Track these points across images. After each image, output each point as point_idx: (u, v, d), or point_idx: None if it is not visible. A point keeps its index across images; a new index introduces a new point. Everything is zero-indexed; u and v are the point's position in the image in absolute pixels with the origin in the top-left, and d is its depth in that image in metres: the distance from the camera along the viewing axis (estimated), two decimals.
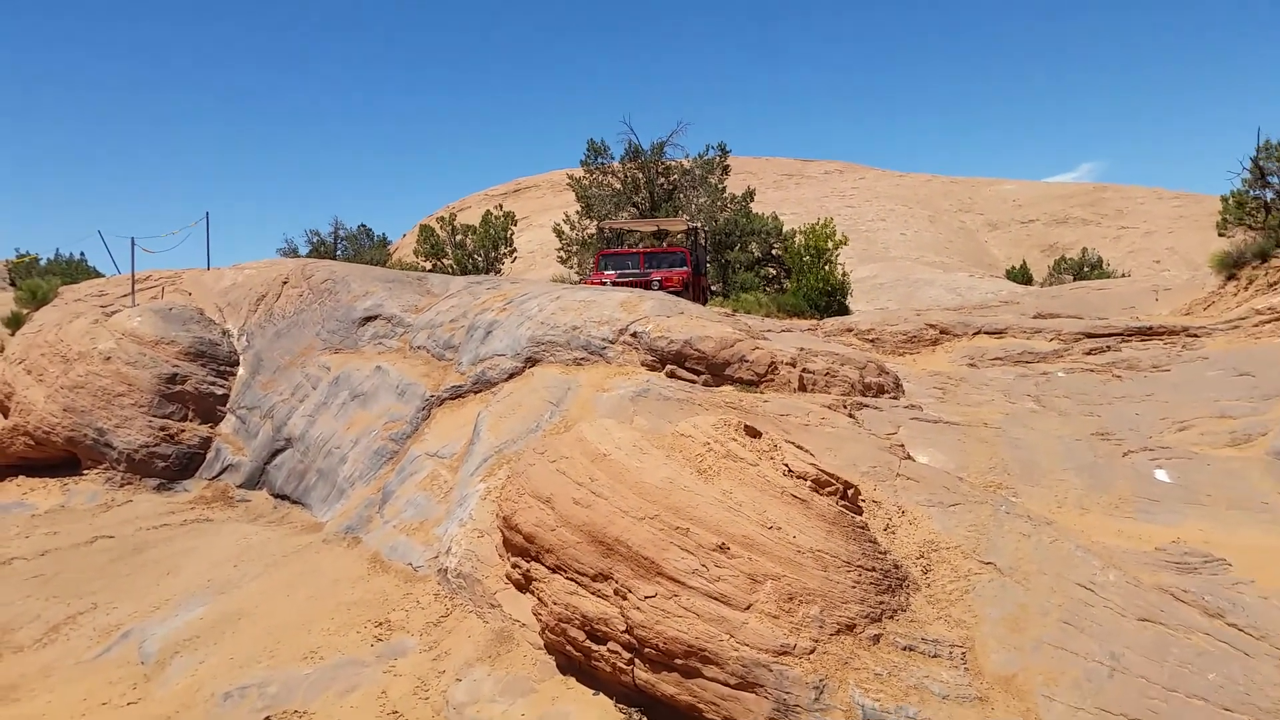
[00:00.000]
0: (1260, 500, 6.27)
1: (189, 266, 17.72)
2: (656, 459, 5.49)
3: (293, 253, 32.05)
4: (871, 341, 12.07)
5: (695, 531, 4.96)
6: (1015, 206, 55.53)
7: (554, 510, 5.54)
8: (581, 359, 8.85)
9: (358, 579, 7.10)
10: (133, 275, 16.43)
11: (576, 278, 25.36)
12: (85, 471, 11.77)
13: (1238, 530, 5.89)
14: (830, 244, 18.84)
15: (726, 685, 4.60)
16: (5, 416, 12.60)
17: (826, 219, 20.42)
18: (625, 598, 5.02)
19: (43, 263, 34.96)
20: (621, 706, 5.11)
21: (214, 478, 11.45)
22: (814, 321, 14.63)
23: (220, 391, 12.40)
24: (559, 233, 28.23)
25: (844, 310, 18.17)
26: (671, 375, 8.48)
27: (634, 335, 8.84)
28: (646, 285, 15.14)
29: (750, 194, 27.57)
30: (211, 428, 12.07)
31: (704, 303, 16.59)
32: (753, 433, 5.78)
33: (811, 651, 4.51)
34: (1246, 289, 13.73)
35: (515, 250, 29.59)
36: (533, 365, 9.03)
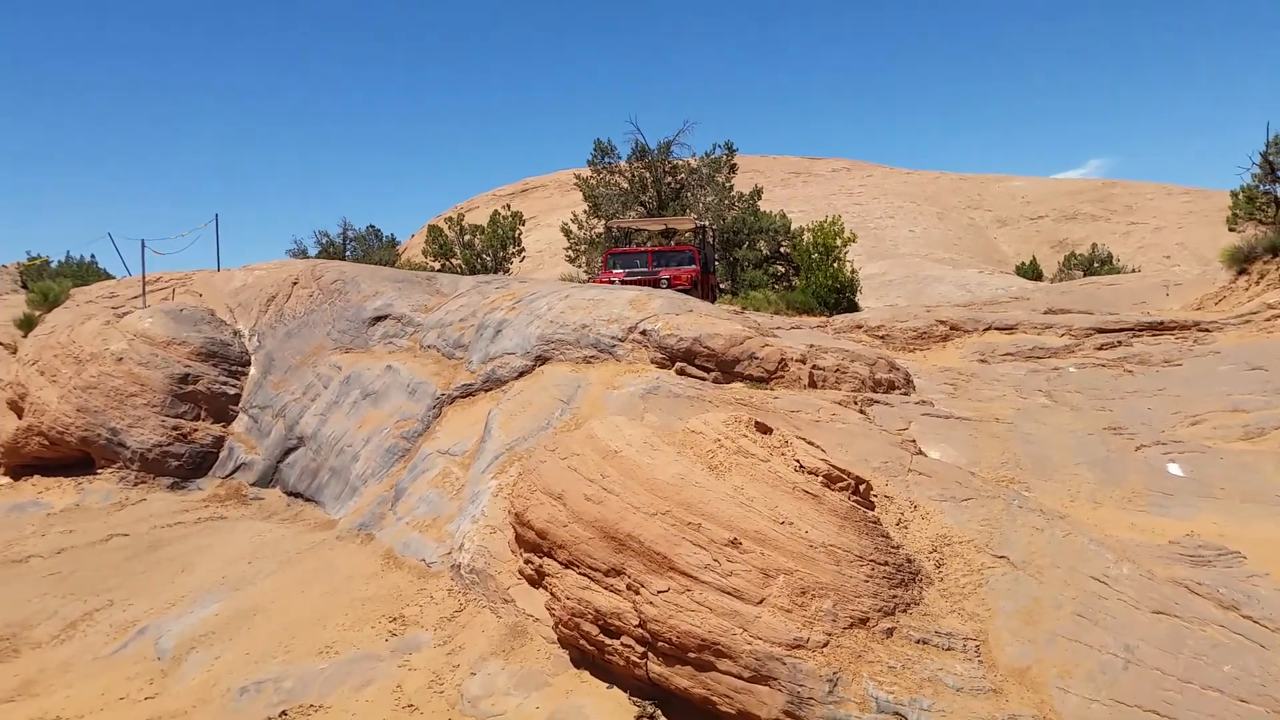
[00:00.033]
0: (1274, 493, 6.25)
1: (199, 268, 17.80)
2: (667, 455, 5.50)
3: (302, 254, 32.14)
4: (881, 338, 12.06)
5: (707, 527, 4.98)
6: (1024, 203, 55.35)
7: (566, 506, 5.56)
8: (591, 357, 8.88)
9: (371, 575, 7.14)
10: (143, 277, 16.53)
11: (585, 277, 25.39)
12: (99, 471, 11.85)
13: (1252, 523, 5.88)
14: (839, 241, 18.81)
15: (740, 678, 4.62)
16: (20, 417, 12.68)
17: (835, 216, 20.39)
18: (638, 592, 5.04)
19: (54, 265, 35.06)
20: (635, 699, 5.13)
21: (227, 476, 11.51)
22: (823, 318, 14.63)
23: (232, 391, 12.46)
24: (567, 232, 28.25)
25: (853, 307, 18.14)
26: (681, 373, 8.49)
27: (643, 333, 8.86)
28: (655, 283, 15.16)
29: (758, 192, 27.56)
30: (224, 427, 12.13)
31: (713, 301, 16.60)
32: (764, 429, 5.79)
33: (825, 645, 4.52)
34: (1258, 283, 13.68)
35: (523, 250, 29.63)
36: (543, 363, 9.06)
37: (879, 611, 4.66)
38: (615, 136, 40.59)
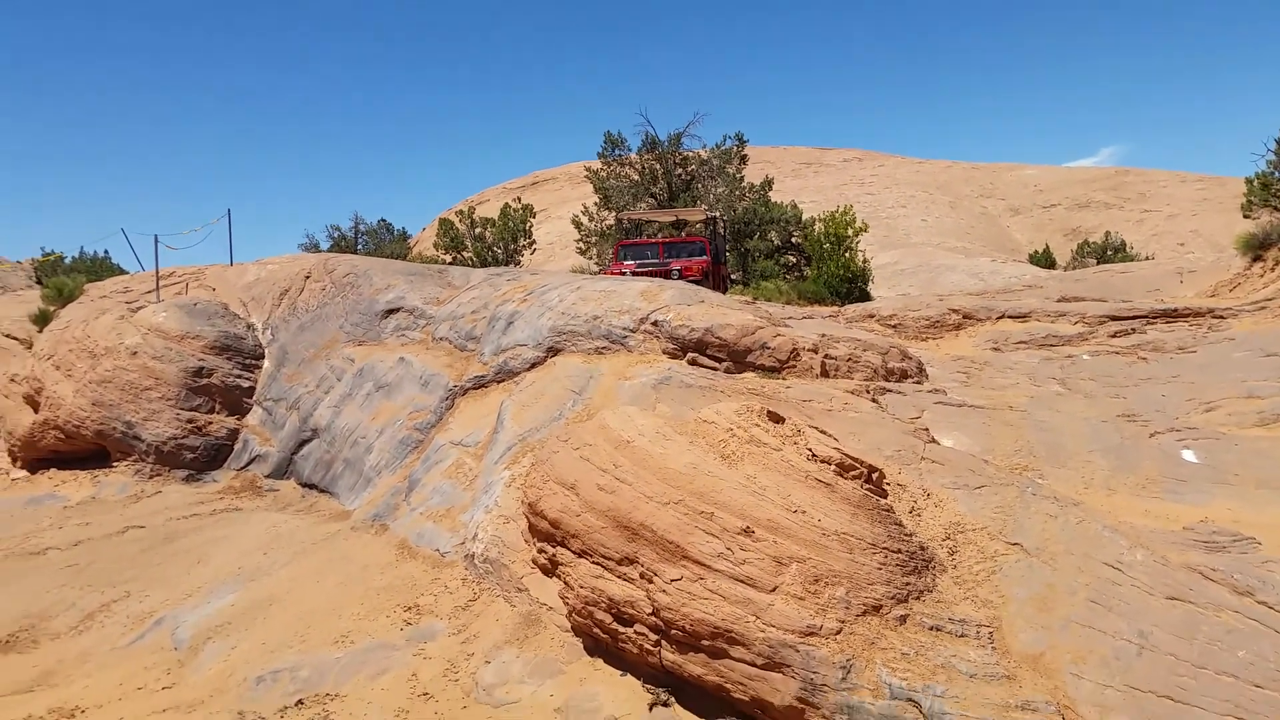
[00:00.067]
0: None
1: (212, 263, 17.92)
2: (680, 445, 5.52)
3: (314, 248, 32.30)
4: (894, 327, 12.04)
5: (720, 516, 4.99)
6: (1037, 191, 55.08)
7: (579, 496, 5.58)
8: (603, 348, 8.89)
9: (386, 565, 7.18)
10: (157, 271, 16.64)
11: (596, 268, 25.40)
12: (115, 464, 11.94)
13: (1266, 509, 5.85)
14: (850, 231, 18.77)
15: (753, 666, 4.63)
16: (36, 411, 12.79)
17: (846, 206, 20.34)
18: (651, 581, 5.06)
19: (67, 261, 35.32)
20: (649, 687, 5.15)
21: (242, 468, 11.58)
22: (835, 308, 14.61)
23: (246, 384, 12.53)
24: (577, 224, 28.27)
25: (865, 297, 18.11)
26: (693, 363, 8.50)
27: (655, 324, 8.86)
28: (666, 274, 15.16)
29: (769, 183, 27.52)
30: (238, 419, 12.20)
31: (724, 291, 16.60)
32: (776, 418, 5.79)
33: (838, 632, 4.53)
34: (1273, 270, 13.60)
35: (534, 242, 29.66)
36: (554, 355, 9.08)
37: (892, 599, 4.66)
38: (625, 128, 40.52)
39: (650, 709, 4.97)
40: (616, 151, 28.64)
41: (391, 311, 11.87)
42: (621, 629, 5.24)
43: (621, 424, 5.86)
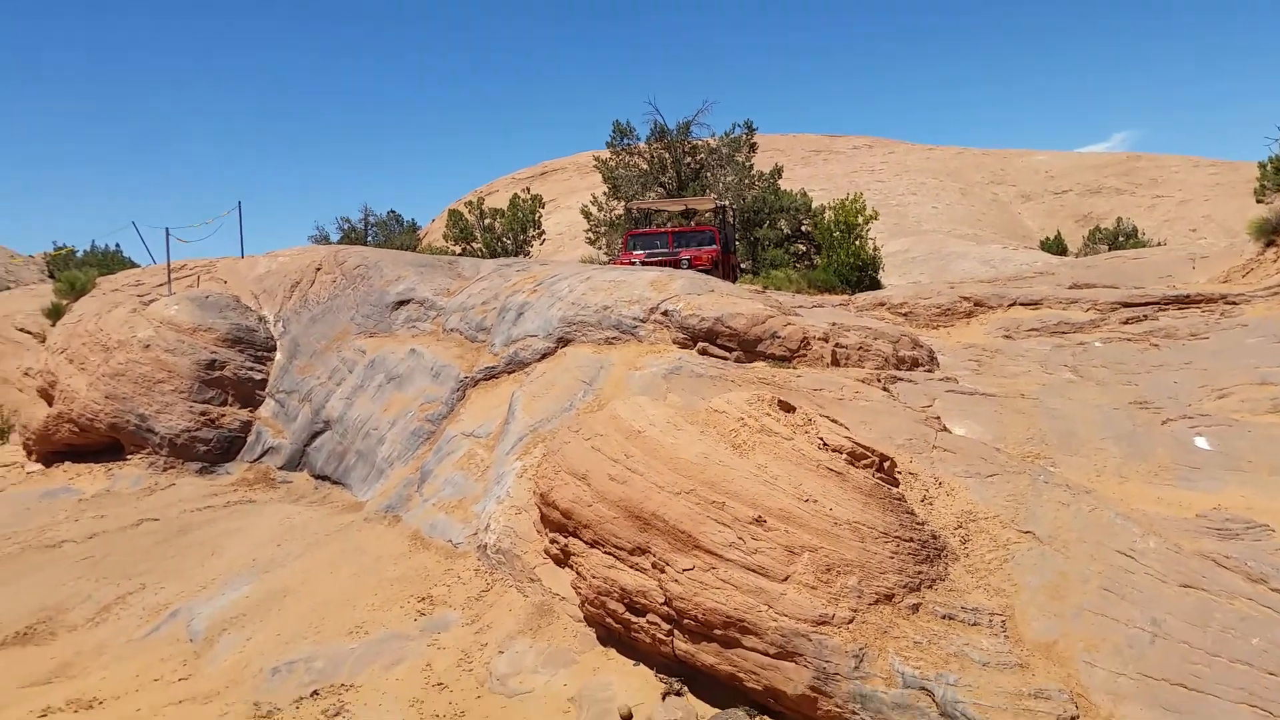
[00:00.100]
0: None
1: (223, 255, 17.94)
2: (691, 435, 5.52)
3: (324, 240, 32.37)
4: (905, 315, 12.01)
5: (731, 505, 4.99)
6: (1048, 177, 54.73)
7: (590, 486, 5.60)
8: (613, 338, 8.90)
9: (399, 556, 7.21)
10: (168, 264, 16.68)
11: (605, 259, 25.38)
12: (129, 457, 12.01)
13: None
14: (860, 219, 18.69)
15: (766, 655, 4.64)
16: (50, 405, 12.86)
17: (856, 194, 20.24)
18: (663, 571, 5.07)
19: (79, 254, 35.45)
20: (662, 676, 5.17)
21: (255, 460, 11.64)
22: (846, 297, 14.57)
23: (259, 376, 12.58)
24: (586, 214, 28.23)
25: (876, 285, 18.04)
26: (703, 353, 8.49)
27: (665, 314, 8.86)
28: (676, 264, 15.14)
29: (778, 171, 27.42)
30: (251, 412, 12.26)
31: (734, 280, 16.56)
32: (787, 407, 5.79)
33: (850, 621, 4.54)
34: None
35: (543, 233, 29.65)
36: (564, 345, 9.09)
37: (904, 587, 4.66)
38: (634, 118, 40.53)
39: (663, 698, 4.99)
40: (625, 141, 28.57)
41: (402, 303, 11.89)
42: (634, 619, 5.25)
43: (632, 414, 5.87)
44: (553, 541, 6.07)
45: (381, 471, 9.39)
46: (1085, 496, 5.48)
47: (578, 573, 5.67)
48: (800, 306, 10.99)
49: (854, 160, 60.43)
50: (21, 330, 19.69)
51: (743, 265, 22.30)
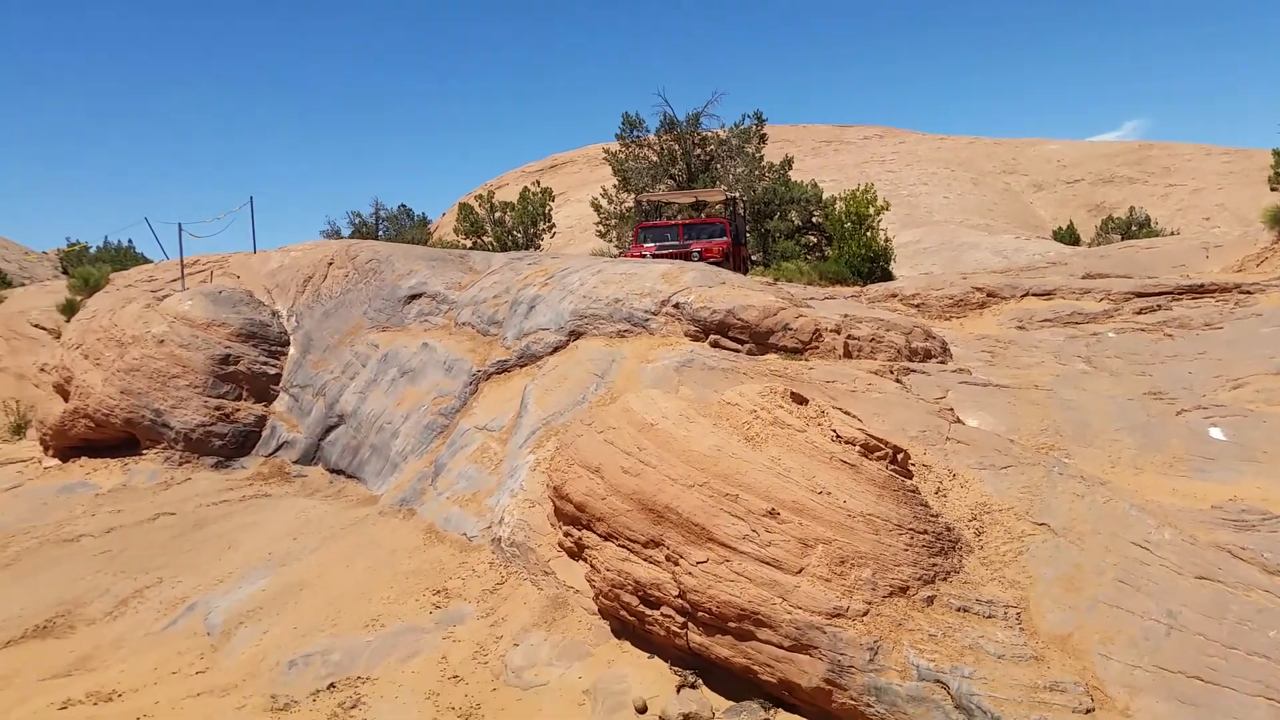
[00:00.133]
0: None
1: (235, 250, 18.00)
2: (703, 427, 5.53)
3: (335, 234, 32.43)
4: (917, 306, 11.97)
5: (745, 498, 5.00)
6: (1060, 167, 54.39)
7: (603, 479, 5.61)
8: (625, 331, 8.91)
9: (414, 549, 7.25)
10: (181, 260, 16.74)
11: (616, 251, 25.37)
12: (144, 451, 12.08)
13: None
14: (872, 210, 18.64)
15: (780, 647, 4.66)
16: (66, 400, 12.94)
17: (867, 185, 20.19)
18: (677, 563, 5.09)
19: (93, 251, 35.61)
20: (676, 669, 5.19)
21: (270, 454, 11.70)
22: (857, 288, 14.54)
23: (273, 371, 12.63)
24: (597, 207, 28.21)
25: (887, 276, 18.00)
26: (715, 345, 8.50)
27: (676, 306, 8.87)
28: (686, 256, 15.14)
29: (788, 162, 27.32)
30: (265, 406, 12.31)
31: (745, 273, 16.55)
32: (799, 400, 5.79)
33: (865, 614, 4.54)
34: None
35: (554, 226, 29.63)
36: (576, 338, 9.10)
37: (919, 580, 4.67)
38: (643, 110, 40.39)
39: (678, 691, 5.01)
40: (635, 133, 28.52)
41: (414, 297, 11.93)
42: (648, 611, 5.27)
43: (645, 407, 5.88)
44: (566, 534, 6.09)
45: (395, 465, 9.43)
46: (1100, 488, 5.47)
47: (592, 565, 5.69)
48: (812, 298, 10.98)
49: (865, 150, 60.22)
50: (37, 326, 19.84)
51: (753, 257, 22.27)
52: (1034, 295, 11.92)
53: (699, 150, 27.56)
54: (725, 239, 16.93)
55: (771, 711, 4.77)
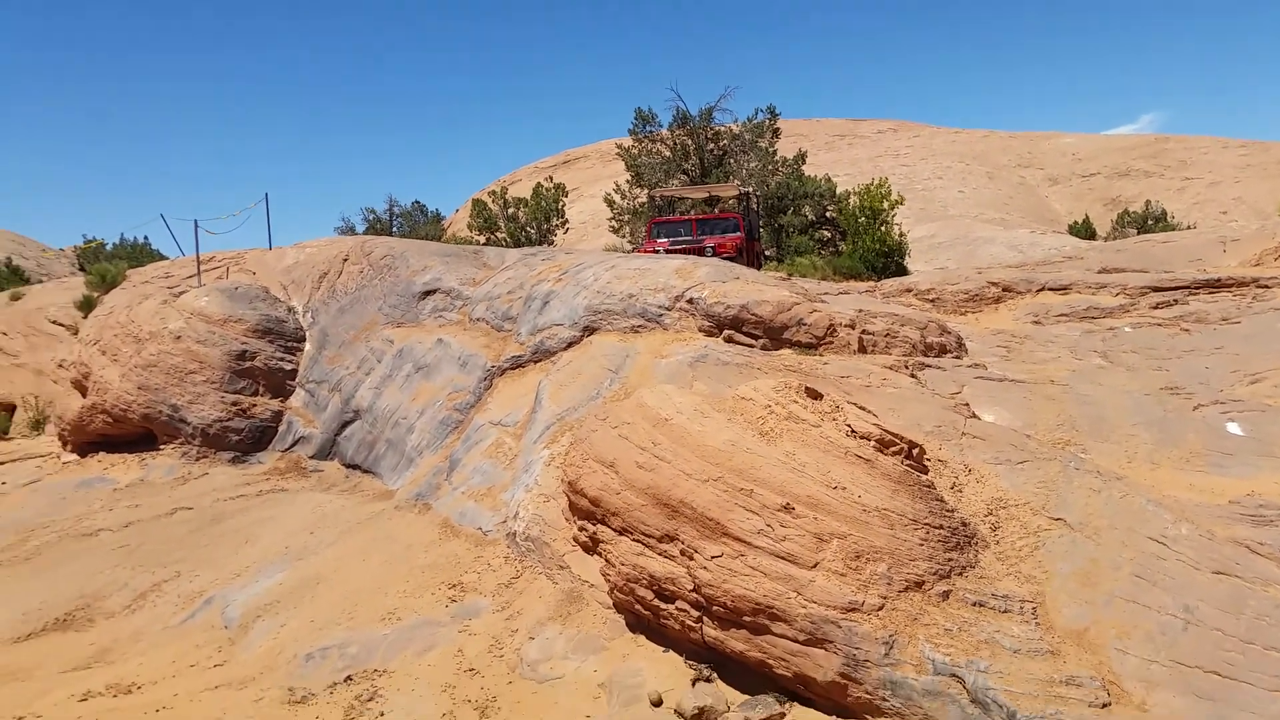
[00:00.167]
0: None
1: (251, 247, 18.09)
2: (718, 422, 5.54)
3: (350, 231, 32.58)
4: (932, 301, 11.94)
5: (759, 492, 5.01)
6: (1075, 160, 54.10)
7: (618, 474, 5.63)
8: (638, 326, 8.92)
9: (430, 543, 7.29)
10: (198, 256, 16.83)
11: (629, 247, 25.37)
12: (162, 446, 12.16)
13: None
14: (886, 204, 18.55)
15: (795, 641, 4.66)
16: (84, 396, 13.04)
17: (881, 179, 20.09)
18: (692, 558, 5.10)
19: (109, 247, 35.89)
20: (691, 663, 5.20)
21: (286, 449, 11.76)
22: (872, 283, 14.49)
23: (289, 366, 12.69)
24: (610, 202, 28.21)
25: (902, 271, 17.93)
26: (729, 340, 8.50)
27: (690, 301, 8.87)
28: (700, 252, 15.12)
29: (802, 156, 27.26)
30: (282, 402, 12.37)
31: (758, 268, 16.53)
32: (814, 395, 5.79)
33: (880, 608, 4.55)
34: None
35: (567, 221, 29.65)
36: (590, 334, 9.12)
37: (934, 574, 4.67)
38: (656, 104, 40.42)
39: (693, 684, 5.02)
40: (648, 128, 28.49)
41: (428, 293, 11.96)
42: (663, 605, 5.29)
43: (659, 402, 5.89)
44: (581, 529, 6.11)
45: (411, 460, 9.47)
46: (1116, 483, 5.45)
47: (606, 560, 5.71)
48: (826, 293, 10.96)
49: (879, 144, 60.00)
50: (54, 323, 19.99)
51: (767, 252, 22.23)
52: (1050, 290, 11.87)
53: (712, 145, 27.52)
54: (739, 234, 16.89)
55: (787, 705, 4.79)
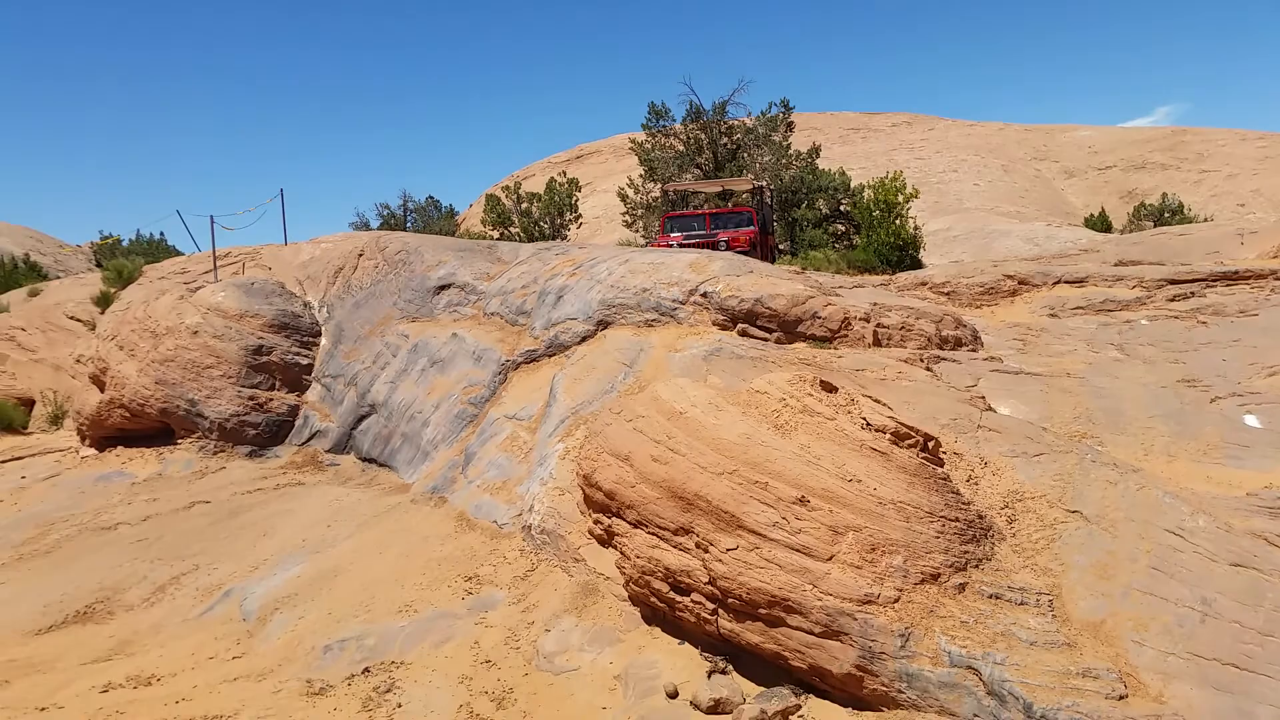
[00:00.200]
0: None
1: (266, 242, 18.21)
2: (733, 415, 5.54)
3: (364, 226, 32.64)
4: (947, 294, 11.90)
5: (774, 485, 5.01)
6: (1091, 153, 53.74)
7: (633, 468, 5.64)
8: (652, 320, 8.93)
9: (446, 536, 7.32)
10: (214, 252, 16.96)
11: (643, 241, 25.37)
12: (179, 441, 12.25)
13: None
14: (900, 197, 18.48)
15: (811, 634, 4.67)
16: (102, 390, 13.15)
17: (896, 172, 20.02)
18: (707, 550, 5.11)
19: (125, 243, 36.06)
20: (707, 655, 5.22)
21: (303, 444, 11.83)
22: (886, 277, 14.44)
23: (305, 361, 12.76)
24: (623, 197, 28.20)
25: (917, 264, 17.87)
26: (743, 334, 8.50)
27: (704, 295, 8.87)
28: (713, 246, 15.12)
29: (816, 150, 27.18)
30: (298, 396, 12.45)
31: (772, 262, 16.51)
32: (829, 388, 5.79)
33: (896, 600, 4.55)
34: None
35: (580, 216, 29.68)
36: (604, 328, 9.13)
37: (950, 567, 4.66)
38: (669, 99, 40.24)
39: (709, 676, 5.03)
40: (661, 122, 28.46)
41: (443, 288, 12.00)
42: (678, 598, 5.30)
43: (674, 395, 5.90)
44: (596, 522, 6.13)
45: (426, 454, 9.52)
46: (1133, 475, 5.44)
47: (621, 553, 5.73)
48: (840, 287, 10.94)
49: (893, 138, 59.74)
50: (72, 318, 20.16)
51: (781, 246, 22.18)
52: (1066, 283, 11.82)
53: (725, 139, 27.47)
54: (752, 228, 16.88)
55: (802, 697, 4.79)
